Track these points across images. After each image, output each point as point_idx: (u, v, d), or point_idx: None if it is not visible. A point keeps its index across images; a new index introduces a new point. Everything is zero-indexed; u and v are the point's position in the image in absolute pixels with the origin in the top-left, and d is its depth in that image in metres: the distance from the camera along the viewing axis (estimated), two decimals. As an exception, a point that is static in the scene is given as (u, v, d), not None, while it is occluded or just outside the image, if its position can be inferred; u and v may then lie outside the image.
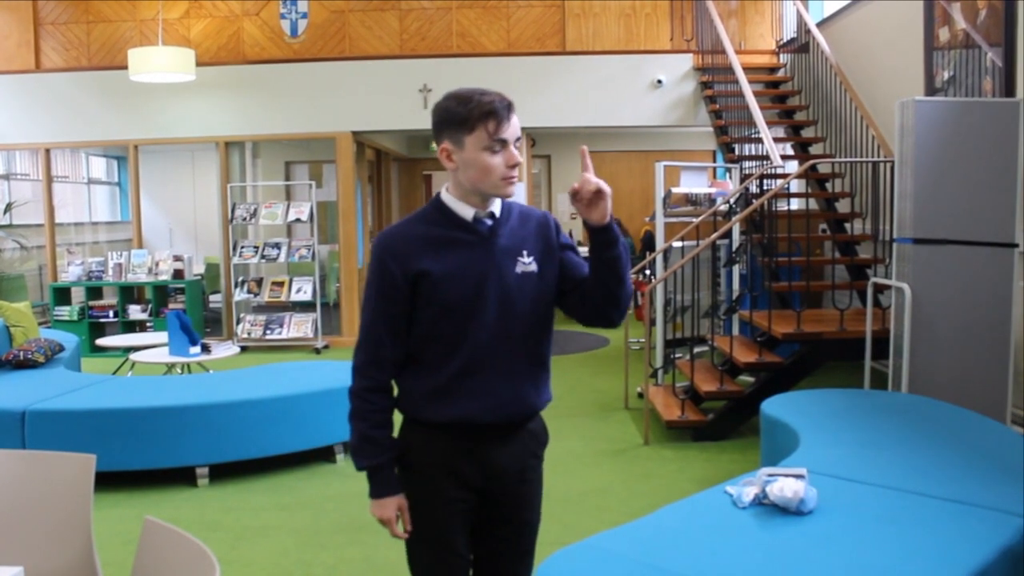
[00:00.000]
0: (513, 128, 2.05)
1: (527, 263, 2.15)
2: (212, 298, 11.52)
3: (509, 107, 2.04)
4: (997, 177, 5.14)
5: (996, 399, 5.13)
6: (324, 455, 5.50)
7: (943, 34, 6.63)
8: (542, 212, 2.28)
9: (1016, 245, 5.16)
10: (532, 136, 11.50)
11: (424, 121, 9.02)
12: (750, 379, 6.36)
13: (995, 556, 2.70)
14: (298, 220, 9.96)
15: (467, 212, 2.12)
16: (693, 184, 8.12)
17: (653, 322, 6.84)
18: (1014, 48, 5.70)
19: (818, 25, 8.91)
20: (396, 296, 2.09)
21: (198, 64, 9.37)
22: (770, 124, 7.76)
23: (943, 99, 6.24)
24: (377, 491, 2.17)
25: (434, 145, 2.14)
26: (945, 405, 4.49)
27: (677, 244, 7.23)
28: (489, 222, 2.14)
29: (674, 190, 7.67)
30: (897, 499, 3.18)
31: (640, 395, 6.69)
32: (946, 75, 6.59)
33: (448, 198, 2.14)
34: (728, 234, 6.93)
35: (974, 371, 5.17)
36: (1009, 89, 5.73)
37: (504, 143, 2.04)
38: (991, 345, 5.17)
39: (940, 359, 5.19)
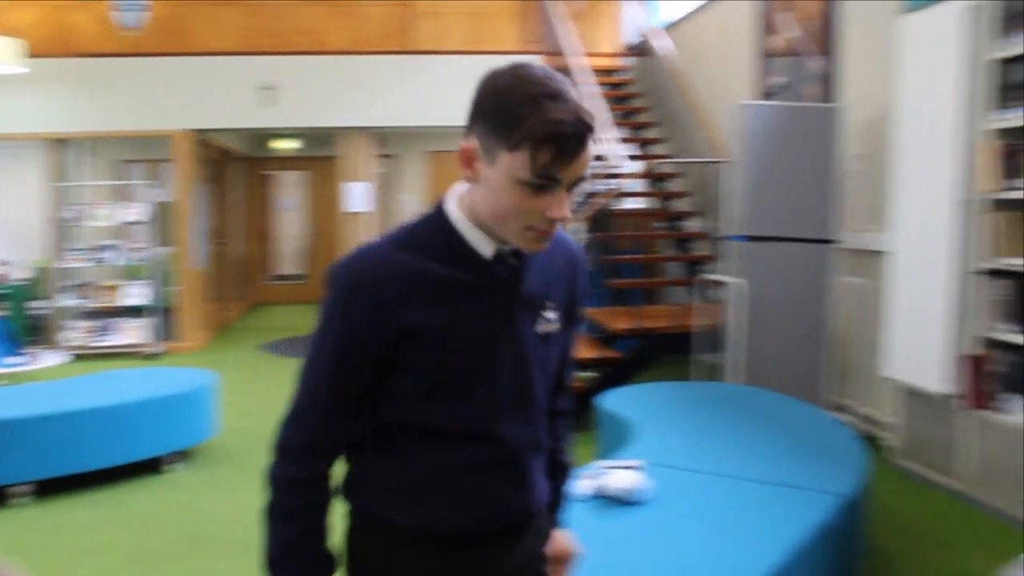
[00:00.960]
0: (578, 166, 1.34)
1: (550, 319, 1.54)
2: (38, 304, 10.91)
3: (585, 135, 1.32)
4: (818, 177, 5.41)
5: (815, 386, 5.42)
6: (153, 466, 5.26)
7: (774, 42, 6.92)
8: (575, 245, 1.64)
9: (833, 241, 5.44)
10: (380, 135, 11.39)
11: (267, 119, 8.79)
12: (593, 375, 6.47)
13: (814, 533, 2.85)
14: (133, 222, 9.54)
15: (485, 247, 1.45)
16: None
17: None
18: (836, 58, 6.01)
19: (661, 30, 9.16)
20: (362, 358, 1.43)
21: (25, 56, 8.85)
22: (614, 125, 7.92)
23: (771, 103, 6.51)
24: None
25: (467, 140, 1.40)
26: (770, 393, 4.68)
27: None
28: (513, 262, 1.48)
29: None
30: (727, 485, 3.29)
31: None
32: (776, 81, 6.87)
33: (460, 220, 1.45)
34: (571, 232, 7.02)
35: (797, 360, 5.44)
36: (831, 96, 6.03)
37: (555, 184, 1.34)
38: (811, 335, 5.45)
39: (767, 350, 5.42)
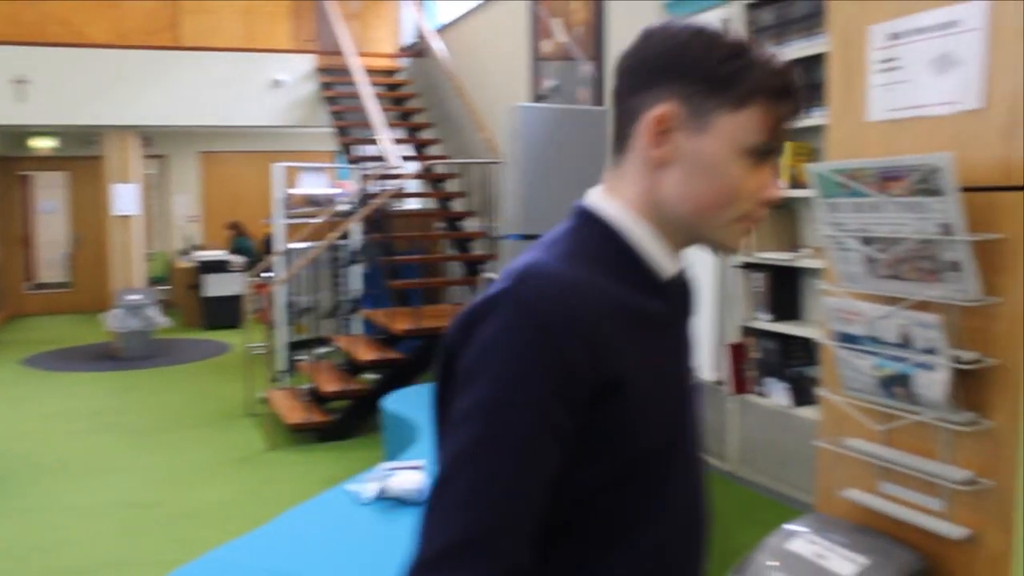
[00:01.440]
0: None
1: (696, 367, 1.20)
2: None
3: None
4: (590, 178, 5.57)
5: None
6: None
7: (546, 46, 7.11)
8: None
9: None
10: (146, 135, 10.85)
11: (18, 115, 8.12)
12: (376, 377, 6.44)
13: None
14: None
15: (667, 262, 1.08)
16: (314, 185, 8.08)
17: (276, 325, 6.72)
18: (604, 63, 6.25)
19: (438, 31, 9.21)
20: (568, 421, 0.95)
21: None
22: (391, 126, 7.90)
23: (545, 106, 6.68)
24: None
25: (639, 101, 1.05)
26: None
27: (298, 245, 7.15)
28: (685, 282, 1.16)
29: (296, 191, 7.58)
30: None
31: (263, 400, 6.53)
32: (549, 84, 7.06)
33: (636, 226, 1.07)
34: (348, 234, 6.98)
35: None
36: (601, 99, 6.27)
37: (775, 152, 1.06)
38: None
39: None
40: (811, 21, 4.07)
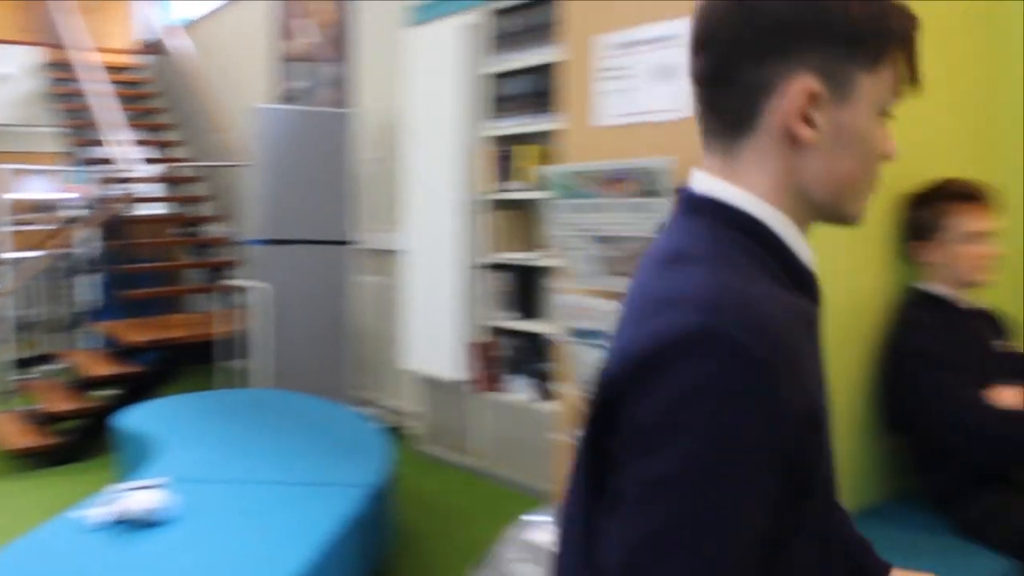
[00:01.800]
0: None
1: None
2: None
3: None
4: (335, 181, 5.57)
5: (340, 383, 5.60)
6: None
7: (294, 46, 6.97)
8: None
9: (351, 242, 5.65)
10: None
11: None
12: (112, 392, 6.07)
13: (342, 526, 2.91)
14: None
15: (807, 253, 0.96)
16: (41, 189, 7.54)
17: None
18: (351, 64, 6.20)
19: (185, 28, 8.81)
20: (782, 481, 0.82)
21: None
22: (131, 127, 7.49)
23: (288, 107, 6.55)
24: None
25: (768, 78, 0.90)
26: (296, 395, 4.72)
27: (24, 254, 6.64)
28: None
29: (20, 196, 7.03)
30: (255, 492, 3.25)
31: (-16, 423, 6.00)
32: (297, 85, 6.93)
33: (774, 216, 0.93)
34: (80, 241, 6.55)
35: (322, 360, 5.60)
36: (347, 101, 6.22)
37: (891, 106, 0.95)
38: (334, 335, 5.63)
39: (293, 352, 5.49)
40: (553, 29, 4.21)
